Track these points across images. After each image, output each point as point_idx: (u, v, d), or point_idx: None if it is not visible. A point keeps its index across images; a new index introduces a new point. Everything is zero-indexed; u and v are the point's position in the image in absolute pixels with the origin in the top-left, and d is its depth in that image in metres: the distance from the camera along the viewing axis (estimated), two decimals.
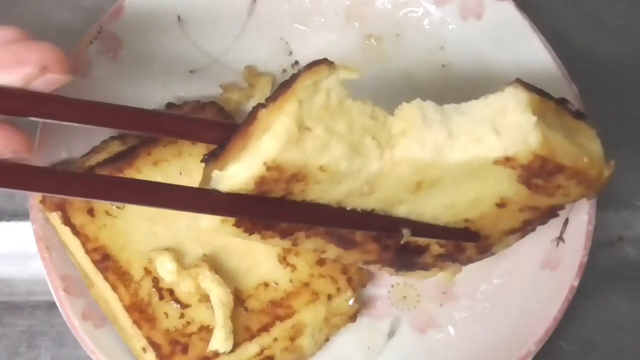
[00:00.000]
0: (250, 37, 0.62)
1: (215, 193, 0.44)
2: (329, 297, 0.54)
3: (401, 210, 0.48)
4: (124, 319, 0.53)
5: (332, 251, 0.50)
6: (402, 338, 0.58)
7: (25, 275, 0.60)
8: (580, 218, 0.56)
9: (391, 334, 0.58)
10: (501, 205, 0.47)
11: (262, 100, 0.43)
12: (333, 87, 0.43)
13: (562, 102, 0.47)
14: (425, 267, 0.53)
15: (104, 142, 0.56)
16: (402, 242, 0.49)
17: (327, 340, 0.56)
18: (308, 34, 0.62)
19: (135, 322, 0.52)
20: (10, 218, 0.61)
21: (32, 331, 0.59)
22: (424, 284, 0.58)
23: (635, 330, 0.61)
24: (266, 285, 0.54)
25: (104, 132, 0.57)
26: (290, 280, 0.54)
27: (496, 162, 0.44)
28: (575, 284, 0.55)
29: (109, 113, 0.45)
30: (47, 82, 0.42)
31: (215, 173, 0.44)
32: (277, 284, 0.54)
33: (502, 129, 0.43)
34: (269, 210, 0.46)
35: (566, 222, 0.57)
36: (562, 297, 0.55)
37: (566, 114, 0.47)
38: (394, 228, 0.49)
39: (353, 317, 0.56)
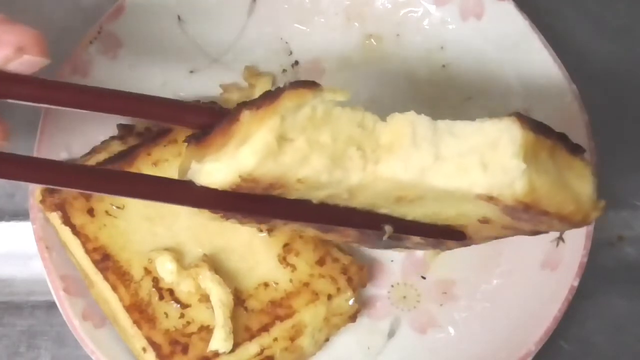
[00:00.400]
0: (250, 37, 0.62)
1: (192, 186, 0.44)
2: (329, 297, 0.54)
3: (382, 212, 0.48)
4: (124, 319, 0.53)
5: (311, 232, 0.50)
6: (402, 338, 0.58)
7: (25, 275, 0.60)
8: None
9: (391, 334, 0.58)
10: (484, 221, 0.47)
11: None
12: (319, 104, 0.42)
13: (561, 138, 0.46)
14: (406, 248, 0.53)
15: (104, 142, 0.57)
16: (384, 238, 0.48)
17: (327, 340, 0.56)
18: (308, 34, 0.62)
19: (135, 322, 0.53)
20: (10, 218, 0.61)
21: (32, 331, 0.59)
22: (424, 284, 0.58)
23: (635, 330, 0.61)
24: (266, 285, 0.54)
25: (104, 132, 0.57)
26: (290, 280, 0.54)
27: (478, 197, 0.43)
28: (575, 284, 0.55)
29: (92, 96, 0.44)
30: (24, 63, 0.41)
31: (194, 165, 0.44)
32: (277, 284, 0.54)
33: (490, 164, 0.42)
34: (247, 206, 0.45)
35: None
36: (562, 297, 0.55)
37: (562, 151, 0.46)
38: (376, 225, 0.48)
39: (353, 317, 0.56)
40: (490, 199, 0.42)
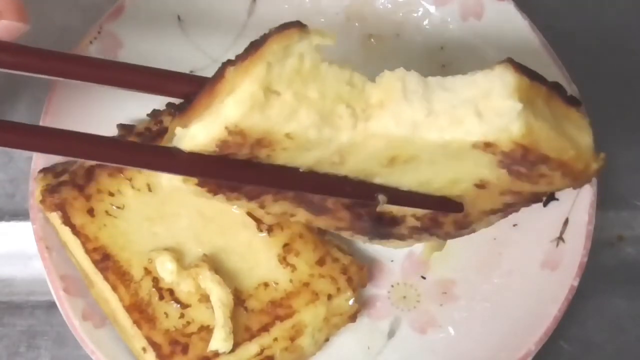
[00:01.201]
0: (250, 37, 0.61)
1: (177, 152, 0.43)
2: (329, 297, 0.54)
3: (376, 181, 0.46)
4: (124, 319, 0.53)
5: (302, 215, 0.49)
6: (402, 338, 0.58)
7: (25, 275, 0.60)
8: (580, 218, 0.56)
9: (391, 334, 0.58)
10: (481, 186, 0.45)
11: None
12: (307, 52, 0.41)
13: (555, 87, 0.45)
14: (401, 238, 0.51)
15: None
16: (378, 209, 0.47)
17: (327, 340, 0.56)
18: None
19: (135, 322, 0.53)
20: (10, 218, 0.61)
21: (32, 331, 0.59)
22: (424, 284, 0.58)
23: (635, 330, 0.61)
24: (266, 285, 0.54)
25: (104, 132, 0.57)
26: (290, 280, 0.54)
27: (475, 145, 0.42)
28: (575, 284, 0.55)
29: (72, 64, 0.43)
30: (3, 29, 0.41)
31: (178, 130, 0.43)
32: (277, 284, 0.54)
33: (484, 112, 0.41)
34: (233, 172, 0.44)
35: (566, 222, 0.57)
36: (562, 297, 0.55)
37: (558, 100, 0.45)
38: (369, 195, 0.46)
39: (353, 317, 0.56)
40: (487, 146, 0.41)
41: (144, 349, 0.52)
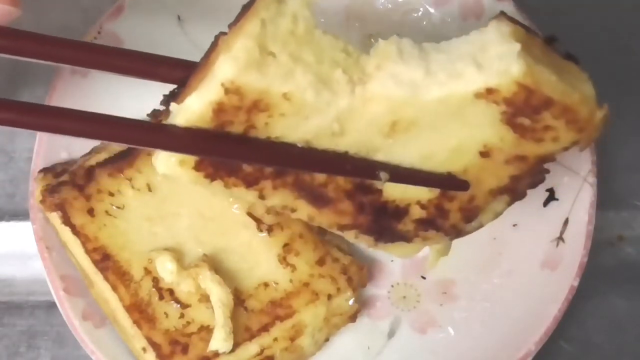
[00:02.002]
0: None
1: (172, 128, 0.42)
2: (329, 297, 0.54)
3: (377, 158, 0.46)
4: (124, 319, 0.53)
5: (303, 210, 0.47)
6: (402, 338, 0.58)
7: (25, 275, 0.60)
8: (580, 218, 0.56)
9: (391, 334, 0.58)
10: (485, 154, 0.45)
11: None
12: (299, 12, 0.41)
13: (550, 41, 0.44)
14: (407, 238, 0.50)
15: (104, 142, 0.57)
16: (380, 186, 0.46)
17: (327, 340, 0.56)
18: None
19: (135, 322, 0.53)
20: (10, 218, 0.61)
21: (32, 331, 0.59)
22: (424, 284, 0.58)
23: (635, 330, 0.61)
24: (266, 285, 0.54)
25: None
26: (290, 280, 0.54)
27: (477, 95, 0.41)
28: (575, 284, 0.55)
29: (63, 48, 0.43)
30: None
31: (173, 106, 0.42)
32: (277, 284, 0.54)
33: (483, 62, 0.41)
34: (230, 149, 0.43)
35: (566, 222, 0.57)
36: (562, 297, 0.55)
37: (554, 54, 0.44)
38: (370, 172, 0.45)
39: (353, 317, 0.56)
40: (489, 93, 0.41)
41: (144, 349, 0.52)
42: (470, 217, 0.49)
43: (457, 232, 0.50)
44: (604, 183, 0.58)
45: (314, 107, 0.42)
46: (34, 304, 0.59)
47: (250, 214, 0.54)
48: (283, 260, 0.55)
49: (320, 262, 0.55)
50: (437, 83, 0.41)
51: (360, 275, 0.56)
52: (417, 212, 0.48)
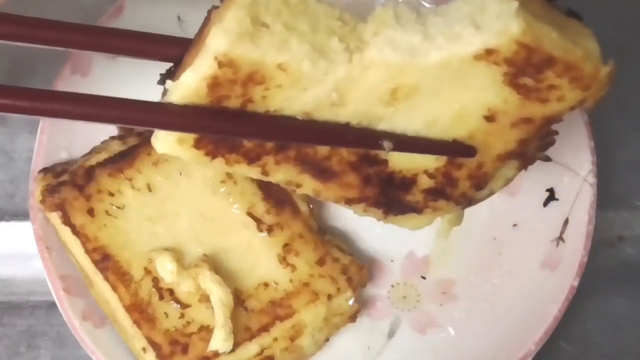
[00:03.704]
0: None
1: (169, 106, 0.41)
2: (329, 297, 0.54)
3: (380, 127, 0.44)
4: (124, 319, 0.53)
5: (308, 185, 0.46)
6: (402, 338, 0.58)
7: (25, 275, 0.60)
8: (580, 218, 0.56)
9: (391, 334, 0.58)
10: (490, 118, 0.43)
11: None
12: None
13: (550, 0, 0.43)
14: (417, 209, 0.49)
15: (104, 142, 0.57)
16: (384, 155, 0.44)
17: (327, 340, 0.56)
18: None
19: (135, 322, 0.53)
20: (10, 218, 0.61)
21: (32, 331, 0.59)
22: (424, 284, 0.58)
23: (635, 330, 0.61)
24: (266, 285, 0.54)
25: (104, 132, 0.57)
26: (290, 280, 0.54)
27: (477, 57, 0.40)
28: (575, 284, 0.55)
29: (50, 30, 0.42)
30: None
31: (169, 84, 0.41)
32: (277, 284, 0.54)
33: (482, 22, 0.40)
34: (229, 124, 0.42)
35: (566, 222, 0.57)
36: (562, 297, 0.55)
37: (556, 10, 0.43)
38: (374, 143, 0.44)
39: (353, 317, 0.56)
40: (489, 54, 0.40)
41: (144, 349, 0.52)
42: (480, 184, 0.48)
43: (468, 201, 0.49)
44: (604, 183, 0.58)
45: (311, 77, 0.41)
46: (34, 304, 0.59)
47: (250, 214, 0.54)
48: (283, 260, 0.55)
49: (320, 262, 0.55)
50: (436, 47, 0.40)
51: (360, 275, 0.56)
52: (425, 182, 0.47)
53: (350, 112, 0.43)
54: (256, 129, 0.42)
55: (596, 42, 0.42)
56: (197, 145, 0.43)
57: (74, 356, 0.58)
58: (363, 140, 0.44)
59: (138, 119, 0.41)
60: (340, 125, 0.43)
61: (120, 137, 0.57)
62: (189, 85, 0.40)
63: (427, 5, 0.61)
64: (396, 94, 0.42)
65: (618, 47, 0.65)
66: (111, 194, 0.54)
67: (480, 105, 0.43)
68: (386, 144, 0.44)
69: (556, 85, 0.41)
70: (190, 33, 0.61)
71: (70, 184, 0.54)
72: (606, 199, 0.59)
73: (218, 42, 0.39)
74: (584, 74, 0.41)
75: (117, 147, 0.56)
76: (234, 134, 0.43)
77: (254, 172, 0.45)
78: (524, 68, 0.40)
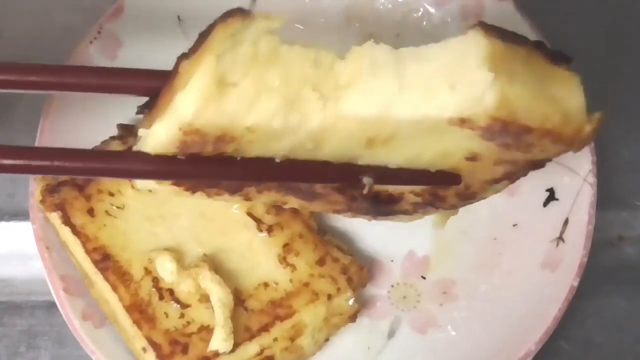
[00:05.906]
0: None
1: (142, 155, 0.40)
2: (329, 297, 0.54)
3: (360, 162, 0.43)
4: (124, 319, 0.53)
5: (294, 202, 0.46)
6: (402, 338, 0.58)
7: (25, 275, 0.60)
8: (580, 218, 0.56)
9: (391, 334, 0.58)
10: (472, 159, 0.42)
11: None
12: (259, 37, 0.38)
13: (537, 46, 0.41)
14: (406, 213, 0.48)
15: (104, 142, 0.57)
16: (365, 192, 0.44)
17: (327, 340, 0.56)
18: (308, 34, 0.62)
19: (135, 322, 0.53)
20: (10, 218, 0.61)
21: (32, 331, 0.59)
22: (424, 284, 0.58)
23: (635, 330, 0.61)
24: (266, 285, 0.54)
25: (104, 132, 0.57)
26: (290, 280, 0.54)
27: (451, 122, 0.39)
28: (575, 284, 0.55)
29: (34, 73, 0.40)
30: None
31: (142, 132, 0.41)
32: (277, 284, 0.54)
33: (457, 83, 0.38)
34: (204, 171, 0.41)
35: (566, 222, 0.57)
36: (562, 297, 0.55)
37: (540, 61, 0.41)
38: (355, 178, 0.43)
39: (353, 317, 0.56)
40: (462, 122, 0.38)
41: (144, 349, 0.52)
42: (469, 199, 0.47)
43: (456, 208, 0.48)
44: (604, 183, 0.58)
45: (283, 131, 0.40)
46: (34, 304, 0.59)
47: (250, 214, 0.54)
48: (283, 260, 0.55)
49: (320, 262, 0.55)
50: (411, 103, 0.39)
51: (360, 275, 0.56)
52: (412, 198, 0.47)
53: (327, 153, 0.42)
54: (233, 173, 0.42)
55: (581, 94, 0.41)
56: (177, 183, 0.42)
57: (74, 356, 0.58)
58: (344, 176, 0.43)
59: (113, 170, 0.41)
60: (320, 163, 0.42)
61: (120, 137, 0.57)
62: (161, 139, 0.39)
63: (427, 6, 0.61)
64: (373, 142, 0.41)
65: (618, 46, 0.66)
66: (111, 194, 0.54)
67: (462, 149, 0.42)
68: (366, 179, 0.43)
69: (537, 144, 0.41)
70: (190, 33, 0.62)
71: (70, 184, 0.54)
72: (606, 199, 0.59)
73: (182, 112, 0.38)
74: (563, 136, 0.40)
75: (117, 147, 0.56)
76: (211, 178, 0.42)
77: (238, 200, 0.45)
78: (500, 134, 0.39)
